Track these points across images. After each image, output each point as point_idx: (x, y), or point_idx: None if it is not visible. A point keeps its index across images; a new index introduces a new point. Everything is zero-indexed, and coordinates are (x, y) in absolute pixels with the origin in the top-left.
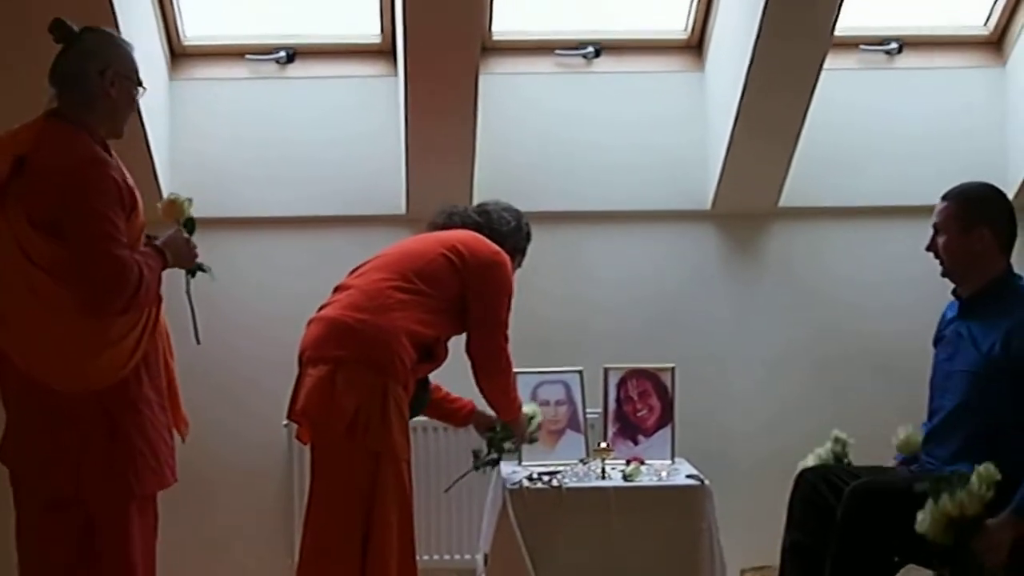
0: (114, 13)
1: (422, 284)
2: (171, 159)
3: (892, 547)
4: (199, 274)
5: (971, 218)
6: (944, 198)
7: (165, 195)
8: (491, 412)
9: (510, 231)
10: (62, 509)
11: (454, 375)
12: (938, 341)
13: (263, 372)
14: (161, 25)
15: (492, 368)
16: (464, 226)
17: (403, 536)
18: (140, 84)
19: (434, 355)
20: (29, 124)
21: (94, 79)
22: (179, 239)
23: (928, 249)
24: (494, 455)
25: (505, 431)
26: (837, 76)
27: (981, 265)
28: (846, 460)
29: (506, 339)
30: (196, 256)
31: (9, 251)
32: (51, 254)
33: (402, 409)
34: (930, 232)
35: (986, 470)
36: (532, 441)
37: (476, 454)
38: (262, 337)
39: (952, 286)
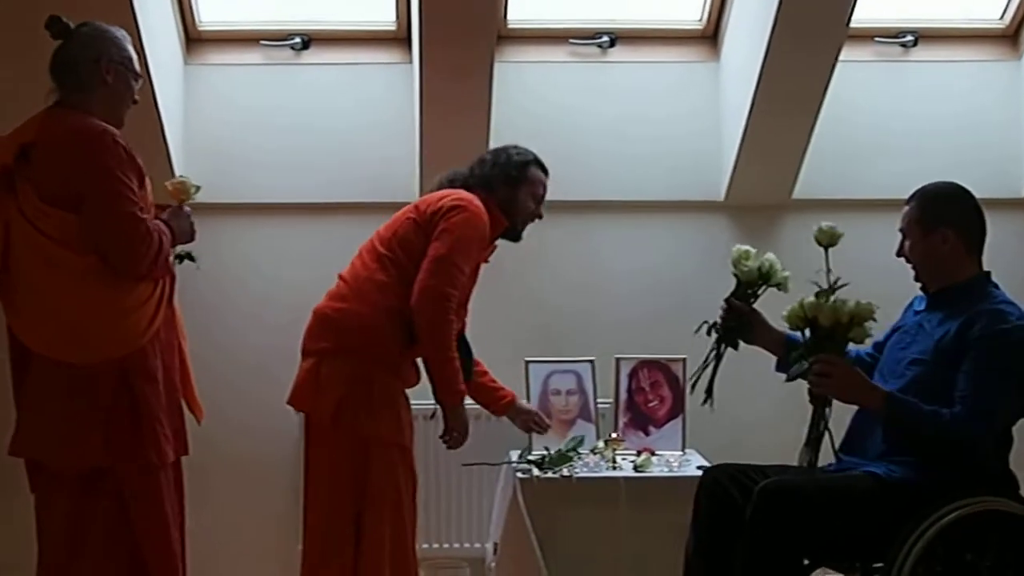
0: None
1: (401, 254)
2: (185, 143)
3: (803, 548)
4: (185, 263)
5: (932, 219)
6: (908, 200)
7: (165, 182)
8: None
9: (492, 168)
10: (93, 486)
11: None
12: (896, 330)
13: (272, 358)
14: (177, 10)
15: (426, 317)
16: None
17: (397, 524)
18: (137, 75)
19: None
20: (33, 117)
21: (90, 67)
22: (183, 217)
23: (898, 255)
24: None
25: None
26: (852, 68)
27: (949, 267)
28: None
29: (453, 289)
30: (191, 241)
31: (22, 232)
32: (65, 225)
33: (391, 394)
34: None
35: (859, 304)
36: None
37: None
38: (272, 323)
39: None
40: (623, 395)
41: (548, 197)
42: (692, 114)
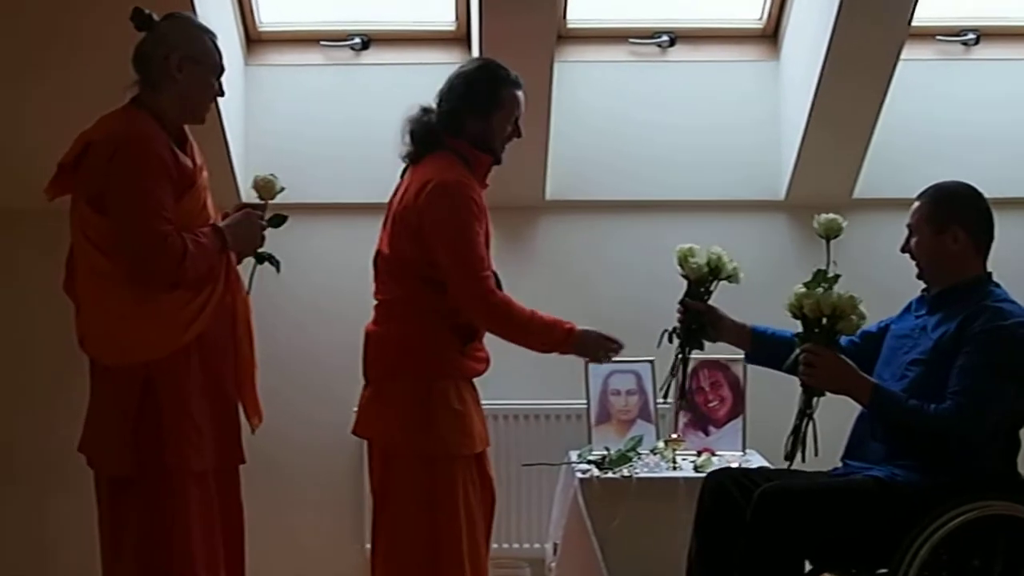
0: (192, 2)
1: (410, 266)
2: (246, 144)
3: (803, 551)
4: (264, 265)
5: (945, 218)
6: (919, 197)
7: (255, 175)
8: None
9: (458, 100)
10: (125, 489)
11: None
12: (888, 327)
13: (336, 359)
14: (237, 11)
15: (485, 322)
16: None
17: (471, 537)
18: (216, 70)
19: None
20: (108, 113)
21: (160, 63)
22: (245, 223)
23: (903, 250)
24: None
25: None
26: (913, 66)
27: (955, 266)
28: None
29: (484, 275)
30: (261, 244)
31: (75, 231)
32: (100, 229)
33: (456, 404)
34: (905, 232)
35: (850, 297)
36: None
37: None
38: (335, 324)
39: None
40: None
41: (607, 196)
42: (752, 113)
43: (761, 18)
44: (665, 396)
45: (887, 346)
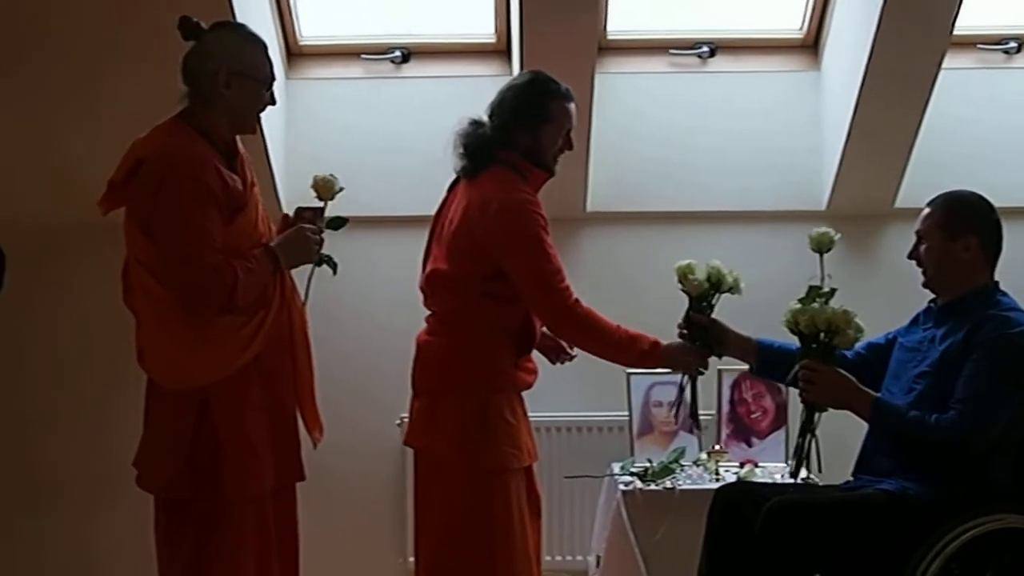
0: (232, 13)
1: (472, 280)
2: (286, 157)
3: (812, 566)
4: (320, 269)
5: (957, 225)
6: (929, 204)
7: (314, 175)
8: None
9: (510, 114)
10: (179, 511)
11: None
12: (895, 340)
13: (377, 372)
14: (278, 25)
15: (572, 336)
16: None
17: (523, 549)
18: (266, 81)
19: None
20: (158, 126)
21: (208, 79)
22: (297, 238)
23: (910, 257)
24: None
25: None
26: (954, 76)
27: (965, 275)
28: None
29: (562, 285)
30: (319, 251)
31: (129, 249)
32: (151, 254)
33: (509, 416)
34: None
35: (844, 311)
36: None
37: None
38: (377, 337)
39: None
40: (725, 407)
41: (650, 208)
42: (793, 123)
43: (801, 28)
44: (676, 417)
45: (895, 359)
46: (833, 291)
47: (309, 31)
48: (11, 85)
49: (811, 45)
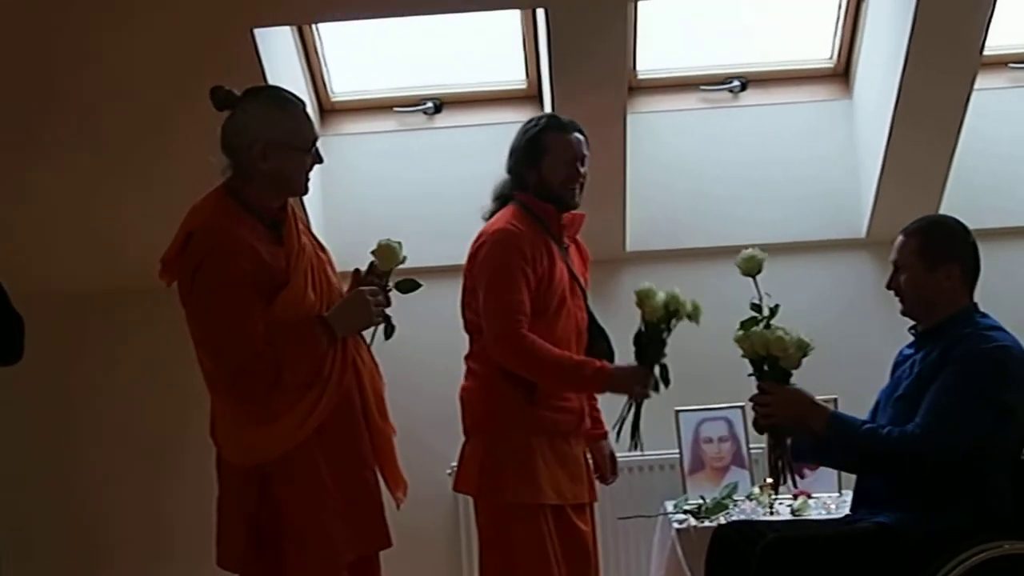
0: (264, 74)
1: (472, 323)
2: (325, 213)
3: None
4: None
5: (938, 254)
6: (905, 233)
7: (378, 241)
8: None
9: (514, 158)
10: None
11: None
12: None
13: (426, 421)
14: (310, 82)
15: (512, 364)
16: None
17: None
18: (306, 144)
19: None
20: (206, 197)
21: (244, 153)
22: (351, 302)
23: (889, 287)
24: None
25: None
26: (987, 96)
27: (945, 302)
28: None
29: (513, 319)
30: (379, 313)
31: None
32: (195, 330)
33: (530, 456)
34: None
35: (779, 337)
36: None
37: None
38: (427, 385)
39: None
40: None
41: (688, 244)
42: (828, 152)
43: (831, 57)
44: (618, 436)
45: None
46: (773, 310)
47: (340, 87)
48: (55, 154)
49: (842, 73)
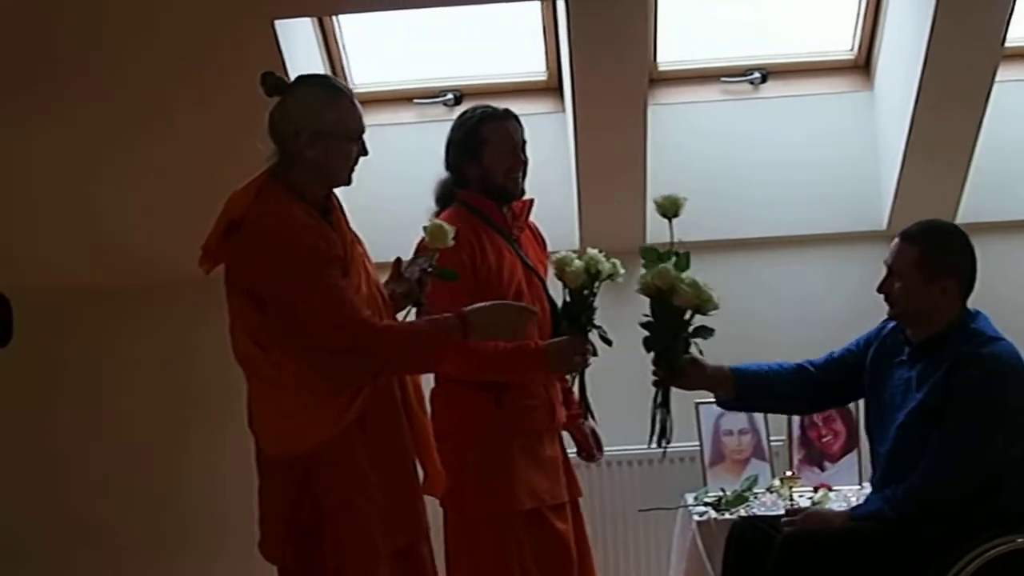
0: (283, 63)
1: None
2: (347, 204)
3: None
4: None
5: (937, 267)
6: (904, 238)
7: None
8: None
9: (452, 152)
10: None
11: None
12: (874, 368)
13: None
14: (329, 73)
15: (455, 368)
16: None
17: None
18: (352, 135)
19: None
20: (248, 184)
21: (292, 140)
22: (494, 311)
23: (879, 290)
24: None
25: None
26: (1009, 87)
27: (938, 315)
28: None
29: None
30: (519, 324)
31: (230, 313)
32: (251, 320)
33: (500, 460)
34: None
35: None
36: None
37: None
38: None
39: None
40: (796, 431)
41: (708, 236)
42: (849, 144)
43: (852, 49)
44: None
45: (872, 390)
46: (679, 254)
47: (360, 78)
48: (52, 142)
49: (863, 65)
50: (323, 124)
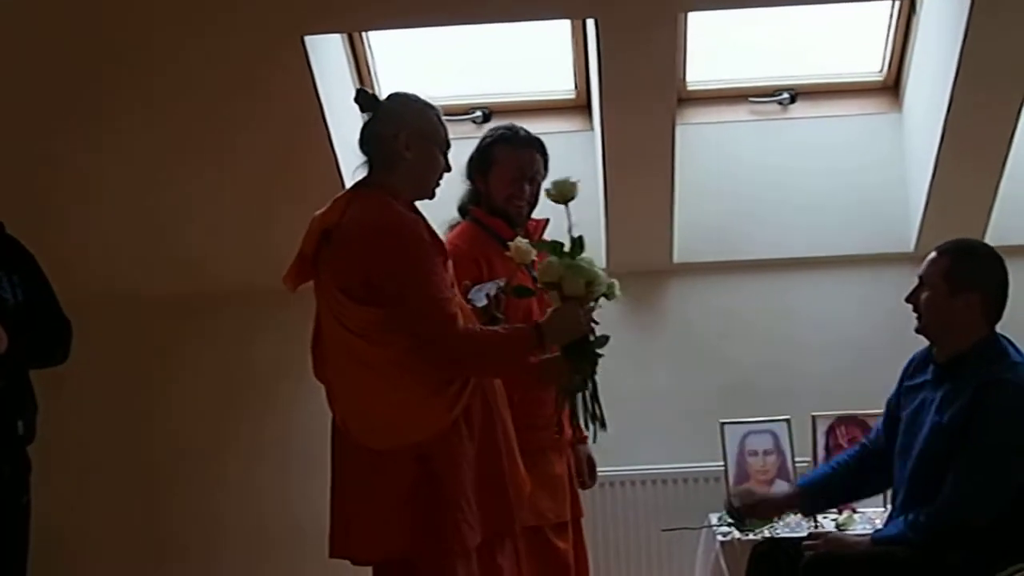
0: (313, 80)
1: None
2: None
3: None
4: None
5: (961, 280)
6: (938, 250)
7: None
8: None
9: (470, 167)
10: (390, 570)
11: None
12: (898, 403)
13: None
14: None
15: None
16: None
17: None
18: (442, 145)
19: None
20: (340, 196)
21: (389, 142)
22: (562, 315)
23: (908, 300)
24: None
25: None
26: None
27: (962, 331)
28: None
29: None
30: (584, 325)
31: (327, 322)
32: (362, 319)
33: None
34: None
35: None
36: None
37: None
38: None
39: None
40: (821, 453)
41: (736, 256)
42: (877, 166)
43: (881, 70)
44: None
45: (898, 410)
46: (574, 239)
47: None
48: (132, 160)
49: (892, 87)
50: (421, 127)
